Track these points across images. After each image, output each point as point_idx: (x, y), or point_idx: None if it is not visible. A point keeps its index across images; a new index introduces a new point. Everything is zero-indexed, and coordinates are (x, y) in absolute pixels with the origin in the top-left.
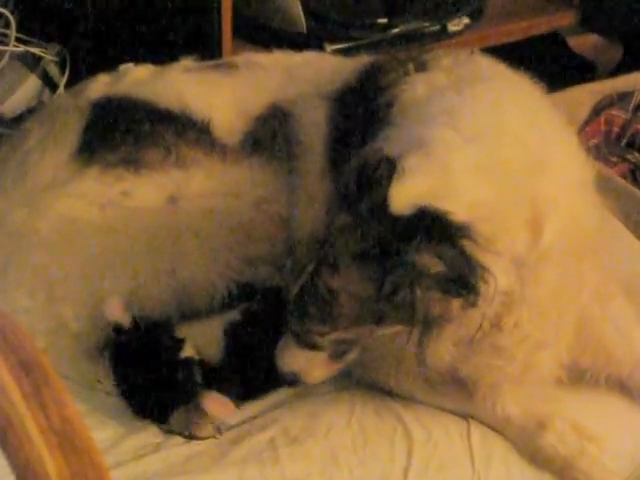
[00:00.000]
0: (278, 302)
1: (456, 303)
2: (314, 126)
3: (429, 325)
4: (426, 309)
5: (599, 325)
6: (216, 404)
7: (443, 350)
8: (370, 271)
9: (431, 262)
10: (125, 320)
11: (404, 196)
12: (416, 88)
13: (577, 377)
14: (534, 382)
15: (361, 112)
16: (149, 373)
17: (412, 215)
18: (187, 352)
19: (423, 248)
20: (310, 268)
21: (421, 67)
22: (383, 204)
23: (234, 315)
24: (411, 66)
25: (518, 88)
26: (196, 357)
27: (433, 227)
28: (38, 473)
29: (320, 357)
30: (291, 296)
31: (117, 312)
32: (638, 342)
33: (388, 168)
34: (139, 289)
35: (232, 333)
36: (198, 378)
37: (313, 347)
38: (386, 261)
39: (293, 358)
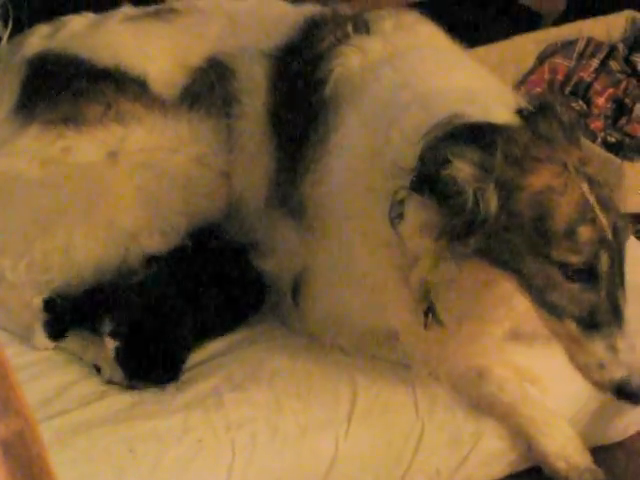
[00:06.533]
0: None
1: None
2: (255, 88)
3: None
4: None
5: None
6: None
7: None
8: None
9: None
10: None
11: None
12: (351, 61)
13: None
14: (485, 337)
15: (298, 86)
16: None
17: None
18: None
19: None
20: None
21: (362, 28)
22: None
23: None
24: (350, 27)
25: (451, 63)
26: None
27: None
28: None
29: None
30: None
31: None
32: None
33: None
34: (75, 243)
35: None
36: None
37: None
38: None
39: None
